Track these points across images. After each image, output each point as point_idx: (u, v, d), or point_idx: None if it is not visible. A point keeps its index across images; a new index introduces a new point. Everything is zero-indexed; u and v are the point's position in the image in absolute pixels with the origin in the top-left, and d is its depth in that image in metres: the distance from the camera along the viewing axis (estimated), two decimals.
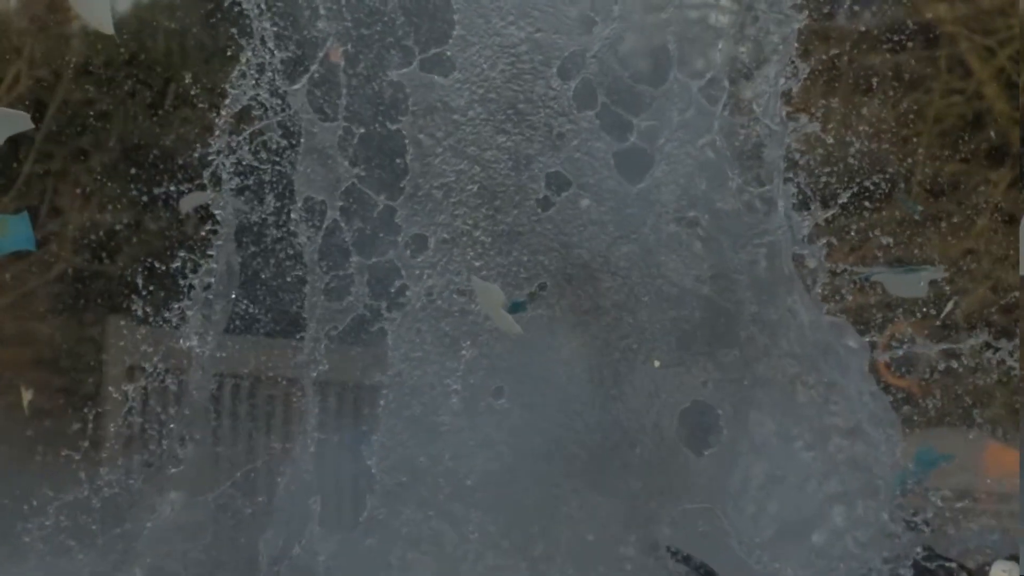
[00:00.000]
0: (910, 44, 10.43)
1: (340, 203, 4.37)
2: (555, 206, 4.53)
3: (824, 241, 4.74)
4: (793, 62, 4.55)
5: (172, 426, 4.63)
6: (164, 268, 4.64)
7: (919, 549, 4.61)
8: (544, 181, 4.46)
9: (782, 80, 4.48)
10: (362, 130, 4.32)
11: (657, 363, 4.46)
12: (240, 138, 4.39)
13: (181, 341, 4.57)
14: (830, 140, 4.85)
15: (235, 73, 4.31)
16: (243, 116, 4.39)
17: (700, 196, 4.53)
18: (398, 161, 4.32)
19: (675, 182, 4.54)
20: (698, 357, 4.50)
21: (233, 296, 4.55)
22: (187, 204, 4.86)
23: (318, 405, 4.49)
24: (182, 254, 4.61)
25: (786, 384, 4.49)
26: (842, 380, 4.50)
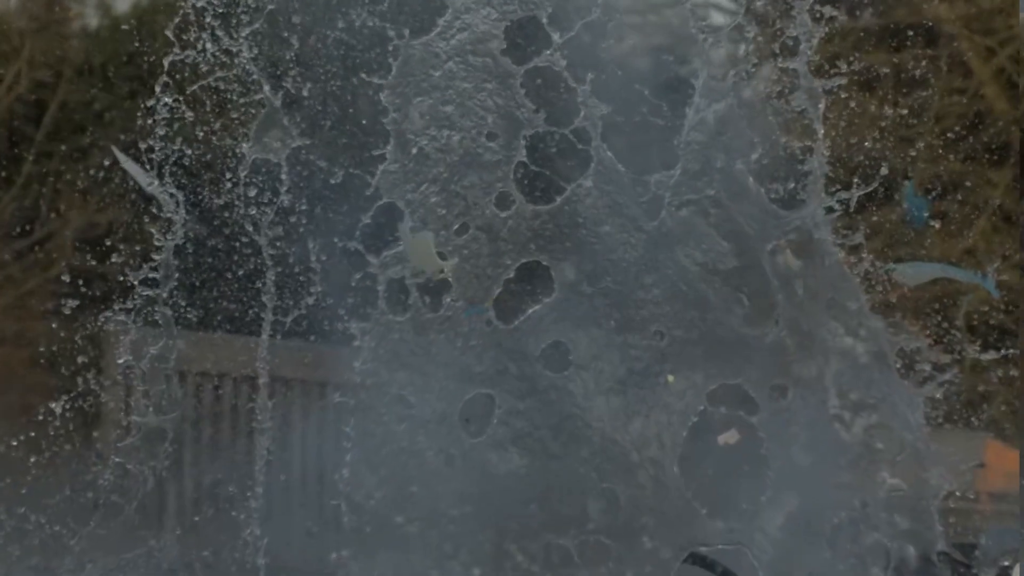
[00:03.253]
0: (909, 43, 10.08)
1: (293, 176, 3.47)
2: (552, 188, 3.64)
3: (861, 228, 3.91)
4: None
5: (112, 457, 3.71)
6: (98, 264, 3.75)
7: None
8: (534, 155, 3.55)
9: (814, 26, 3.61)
10: (310, 86, 3.41)
11: (671, 378, 3.57)
12: (182, 97, 3.49)
13: (120, 357, 3.68)
14: (853, 104, 4.09)
15: (177, 21, 3.40)
16: (188, 74, 3.49)
17: (719, 172, 3.61)
18: (365, 122, 3.41)
19: (690, 156, 3.63)
20: (716, 368, 3.61)
21: (167, 295, 3.64)
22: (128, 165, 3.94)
23: (273, 438, 3.59)
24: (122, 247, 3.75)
25: (824, 401, 3.60)
26: (892, 395, 3.61)
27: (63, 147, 10.89)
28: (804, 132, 3.77)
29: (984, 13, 10.96)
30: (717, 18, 3.82)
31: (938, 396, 3.91)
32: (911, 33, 10.16)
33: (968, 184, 10.42)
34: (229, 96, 3.56)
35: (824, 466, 3.64)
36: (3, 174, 10.67)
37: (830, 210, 3.91)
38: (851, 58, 4.03)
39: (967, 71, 11.00)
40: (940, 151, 10.21)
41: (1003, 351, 4.61)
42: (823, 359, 3.65)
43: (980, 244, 10.68)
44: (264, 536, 3.54)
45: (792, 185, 3.83)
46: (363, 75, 3.36)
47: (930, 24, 10.54)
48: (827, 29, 3.70)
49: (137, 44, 10.55)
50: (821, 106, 3.65)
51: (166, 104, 3.51)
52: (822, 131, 3.66)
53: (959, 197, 10.27)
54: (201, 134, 3.77)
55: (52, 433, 3.92)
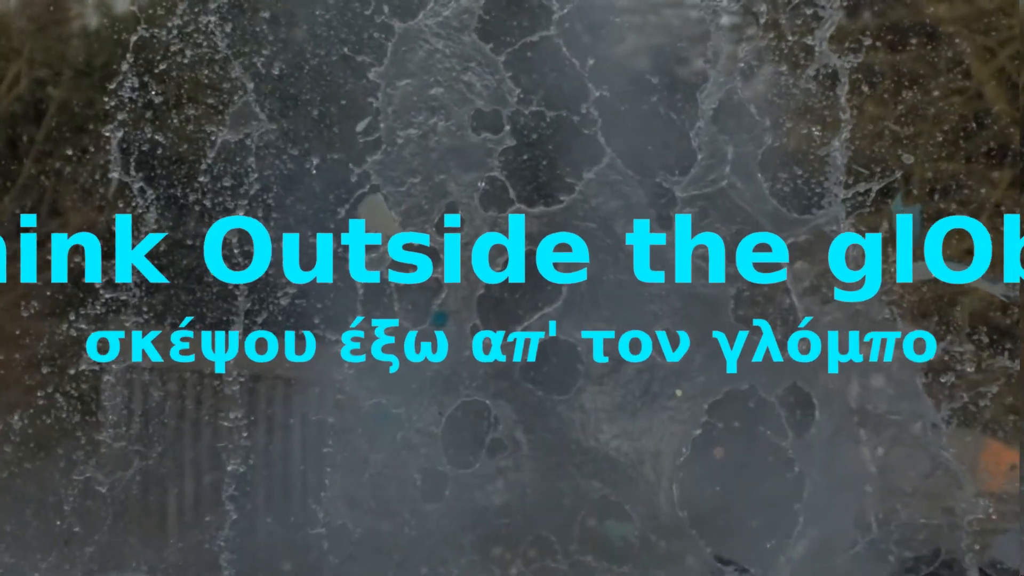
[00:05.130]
0: (909, 44, 9.86)
1: (266, 168, 3.09)
2: (550, 186, 3.27)
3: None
4: None
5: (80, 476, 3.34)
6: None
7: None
8: (526, 144, 3.17)
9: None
10: (282, 67, 3.04)
11: (679, 392, 3.21)
12: (150, 77, 3.13)
13: (81, 364, 3.31)
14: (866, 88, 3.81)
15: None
16: (156, 53, 3.12)
17: (731, 162, 3.23)
18: (344, 103, 3.04)
19: (699, 147, 3.25)
20: (727, 378, 3.24)
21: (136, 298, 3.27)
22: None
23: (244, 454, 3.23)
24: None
25: (845, 421, 3.24)
26: (919, 409, 3.24)
27: (63, 147, 10.66)
28: (820, 120, 3.42)
29: (984, 13, 10.72)
30: (724, 17, 3.48)
31: (980, 406, 3.58)
32: (910, 33, 9.93)
33: (968, 184, 10.18)
34: (202, 78, 3.20)
35: (847, 484, 3.29)
36: (3, 175, 10.47)
37: (846, 204, 3.59)
38: (863, 36, 3.71)
39: (967, 71, 10.74)
40: (939, 152, 9.96)
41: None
42: (845, 369, 3.29)
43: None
44: (234, 567, 3.18)
45: (806, 175, 3.48)
46: (346, 51, 2.99)
47: (929, 23, 10.30)
48: (846, 4, 3.36)
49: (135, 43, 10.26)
50: (844, 87, 3.29)
51: (133, 87, 3.16)
52: (845, 115, 3.29)
53: (959, 197, 10.04)
54: (177, 122, 3.42)
55: (10, 450, 3.56)
